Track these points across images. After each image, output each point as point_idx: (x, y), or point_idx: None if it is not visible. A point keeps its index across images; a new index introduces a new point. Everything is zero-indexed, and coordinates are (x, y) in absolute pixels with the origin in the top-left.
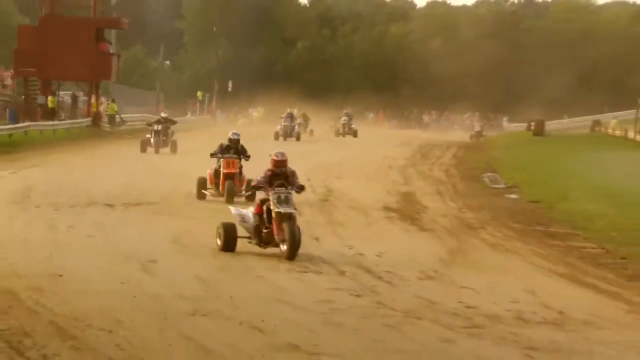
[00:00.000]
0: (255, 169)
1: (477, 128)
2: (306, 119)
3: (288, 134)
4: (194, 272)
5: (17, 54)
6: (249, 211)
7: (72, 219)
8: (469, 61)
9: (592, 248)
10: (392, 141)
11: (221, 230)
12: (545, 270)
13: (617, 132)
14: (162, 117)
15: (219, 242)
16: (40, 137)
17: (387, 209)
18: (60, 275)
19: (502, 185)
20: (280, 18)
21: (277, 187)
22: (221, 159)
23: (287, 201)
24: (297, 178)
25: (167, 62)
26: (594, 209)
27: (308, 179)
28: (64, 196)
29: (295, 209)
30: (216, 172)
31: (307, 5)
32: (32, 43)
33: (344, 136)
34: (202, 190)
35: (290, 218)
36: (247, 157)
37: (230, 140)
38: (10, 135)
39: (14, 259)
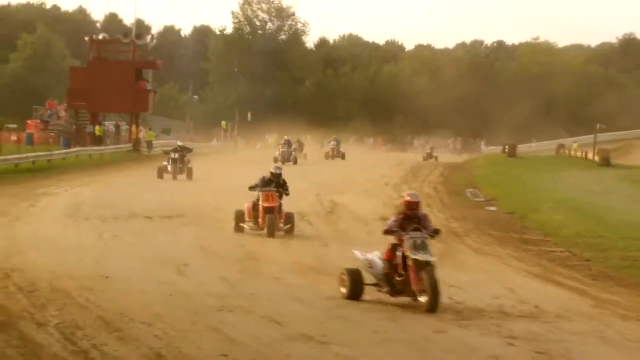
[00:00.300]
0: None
1: (427, 150)
2: (301, 144)
3: (286, 158)
4: (219, 273)
5: (69, 91)
6: (376, 256)
7: (116, 228)
8: (450, 95)
9: (561, 252)
10: (387, 162)
11: (346, 277)
12: (522, 271)
13: (579, 154)
14: (178, 146)
15: (343, 290)
16: (89, 161)
17: (384, 219)
18: (107, 277)
19: (482, 199)
20: (290, 60)
21: (412, 231)
22: (260, 192)
23: (424, 247)
24: (430, 221)
25: (195, 97)
26: (561, 219)
27: (317, 194)
28: (110, 210)
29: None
30: (254, 205)
31: (313, 49)
32: (82, 82)
33: (332, 159)
34: (240, 224)
35: (428, 266)
36: (287, 192)
37: (272, 174)
38: (64, 158)
39: (67, 263)
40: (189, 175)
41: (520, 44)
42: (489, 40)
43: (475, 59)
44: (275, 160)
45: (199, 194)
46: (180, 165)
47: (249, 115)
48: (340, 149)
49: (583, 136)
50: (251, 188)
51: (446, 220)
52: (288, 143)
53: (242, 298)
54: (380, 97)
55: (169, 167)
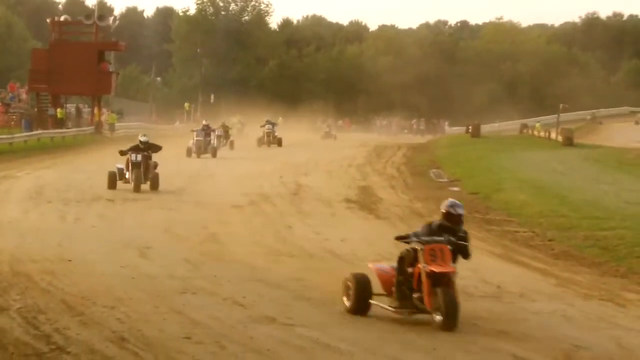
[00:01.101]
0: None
1: (325, 129)
2: (225, 130)
3: (202, 149)
4: (182, 256)
5: (31, 72)
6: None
7: (79, 212)
8: (414, 75)
9: (524, 232)
10: (350, 143)
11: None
12: (484, 251)
13: (542, 134)
14: (141, 142)
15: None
16: (51, 143)
17: (348, 200)
18: (69, 260)
19: (445, 180)
20: (254, 41)
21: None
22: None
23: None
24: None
25: (158, 79)
26: (524, 199)
27: (280, 176)
28: (72, 193)
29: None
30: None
31: (277, 29)
32: (43, 64)
33: (268, 146)
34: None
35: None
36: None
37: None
38: (25, 141)
39: (29, 246)
40: (154, 184)
41: (484, 24)
42: (452, 20)
43: (439, 38)
44: (189, 152)
45: (162, 176)
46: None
47: (212, 97)
48: (276, 133)
49: (546, 116)
50: (122, 152)
51: (409, 201)
52: (206, 129)
53: (205, 280)
54: (345, 77)
55: (127, 174)
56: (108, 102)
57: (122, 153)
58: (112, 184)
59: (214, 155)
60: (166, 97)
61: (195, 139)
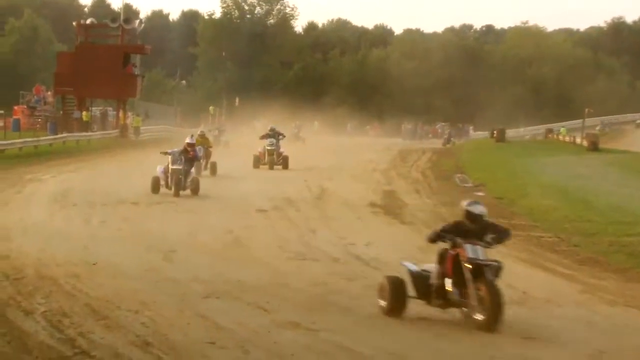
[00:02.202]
0: None
1: (446, 135)
2: (206, 144)
3: (180, 184)
4: (206, 260)
5: (56, 76)
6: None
7: (104, 215)
8: (439, 79)
9: (549, 237)
10: (375, 147)
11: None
12: (510, 256)
13: (567, 139)
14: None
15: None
16: (76, 146)
17: (372, 205)
18: (94, 264)
19: (470, 184)
20: (279, 44)
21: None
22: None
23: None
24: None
25: (183, 82)
26: (549, 204)
27: (305, 180)
28: (97, 196)
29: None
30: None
31: (302, 33)
32: (69, 67)
33: (271, 168)
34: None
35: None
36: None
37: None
38: (51, 144)
39: (54, 250)
40: (194, 190)
41: (509, 28)
42: (477, 24)
43: (464, 42)
44: (155, 186)
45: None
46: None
47: (237, 100)
48: (281, 149)
49: (571, 121)
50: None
51: (434, 206)
52: (190, 150)
53: (229, 285)
54: (369, 81)
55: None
56: (133, 106)
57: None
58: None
59: (196, 191)
60: (191, 100)
61: (170, 166)
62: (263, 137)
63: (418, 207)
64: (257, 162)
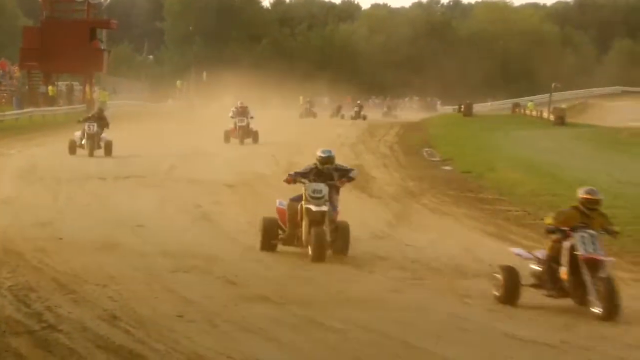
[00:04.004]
0: None
1: (385, 109)
2: (101, 116)
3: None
4: (175, 234)
5: (22, 51)
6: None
7: (71, 190)
8: (407, 54)
9: (516, 211)
10: (344, 122)
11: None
12: (477, 230)
13: (534, 113)
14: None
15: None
16: (43, 121)
17: None
18: (61, 239)
19: (438, 159)
20: (246, 19)
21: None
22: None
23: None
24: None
25: (150, 57)
26: (516, 178)
27: (273, 155)
28: (64, 171)
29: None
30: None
31: (269, 7)
32: (35, 41)
33: (241, 142)
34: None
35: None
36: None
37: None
38: (17, 119)
39: (21, 225)
40: (108, 150)
41: (476, 3)
42: None
43: (431, 17)
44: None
45: (155, 154)
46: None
47: (204, 75)
48: (252, 125)
49: (539, 95)
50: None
51: (402, 180)
52: (94, 120)
53: (198, 259)
54: (337, 56)
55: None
56: (100, 80)
57: None
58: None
59: (109, 152)
60: (158, 75)
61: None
62: (234, 115)
63: (386, 181)
64: (228, 137)
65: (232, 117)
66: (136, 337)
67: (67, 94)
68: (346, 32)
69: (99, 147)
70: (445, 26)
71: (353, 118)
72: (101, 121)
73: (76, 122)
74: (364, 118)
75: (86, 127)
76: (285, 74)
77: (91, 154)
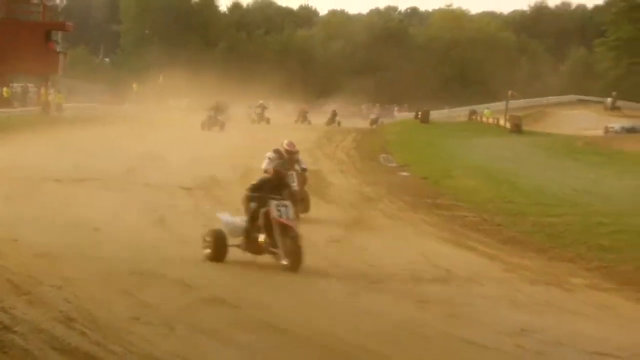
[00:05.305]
0: None
1: (372, 116)
2: None
3: None
4: (131, 237)
5: None
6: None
7: (26, 192)
8: (364, 60)
9: (473, 217)
10: (300, 127)
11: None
12: (434, 236)
13: (490, 120)
14: None
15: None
16: None
17: None
18: (15, 240)
19: (395, 165)
20: (203, 23)
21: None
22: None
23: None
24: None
25: (107, 60)
26: (473, 184)
27: (229, 159)
28: (19, 172)
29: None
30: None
31: (227, 12)
32: None
33: (209, 129)
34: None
35: None
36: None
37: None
38: None
39: None
40: None
41: (434, 11)
42: (402, 6)
43: (388, 24)
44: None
45: (112, 157)
46: None
47: (161, 77)
48: (219, 117)
49: (495, 102)
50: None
51: (359, 186)
52: None
53: (154, 262)
54: (295, 62)
55: None
56: (56, 82)
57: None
58: None
59: None
60: (115, 78)
61: None
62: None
63: (343, 186)
64: (204, 126)
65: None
66: (92, 339)
67: (22, 95)
68: (303, 37)
69: None
70: (402, 33)
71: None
72: None
73: None
74: (339, 124)
75: None
76: (241, 78)
77: None
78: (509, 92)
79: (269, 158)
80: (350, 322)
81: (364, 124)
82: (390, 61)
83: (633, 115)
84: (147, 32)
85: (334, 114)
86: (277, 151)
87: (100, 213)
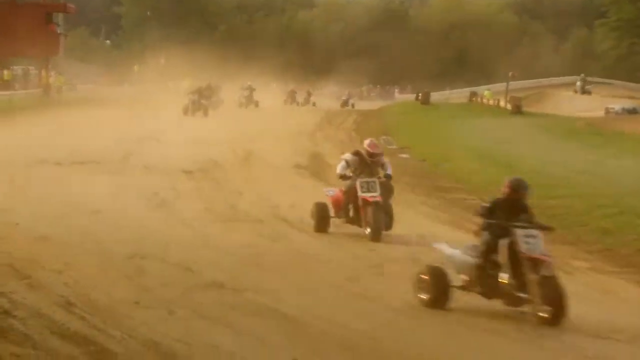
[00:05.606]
0: None
1: (344, 97)
2: None
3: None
4: (131, 221)
5: None
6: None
7: (27, 175)
8: (365, 42)
9: (472, 199)
10: (301, 110)
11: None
12: (434, 218)
13: (491, 102)
14: None
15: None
16: None
17: (298, 166)
18: (17, 224)
19: (395, 147)
20: (204, 5)
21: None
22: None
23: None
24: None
25: (108, 42)
26: (473, 166)
27: (231, 143)
28: (21, 155)
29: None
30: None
31: None
32: None
33: (192, 114)
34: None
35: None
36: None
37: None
38: None
39: None
40: None
41: None
42: None
43: (389, 6)
44: (186, 110)
45: (111, 139)
46: None
47: (163, 59)
48: (203, 100)
49: (496, 84)
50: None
51: None
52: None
53: (154, 246)
54: (295, 44)
55: None
56: (57, 64)
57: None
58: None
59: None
60: (116, 59)
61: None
62: (189, 93)
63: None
64: (187, 111)
65: None
66: (92, 324)
67: (23, 77)
68: (304, 20)
69: None
70: (403, 15)
71: (302, 104)
72: None
73: None
74: (314, 104)
75: None
76: (241, 60)
77: None
78: (510, 73)
79: (346, 161)
80: (350, 306)
81: (365, 105)
82: (391, 43)
83: (633, 97)
84: (148, 14)
85: (309, 95)
86: (357, 153)
87: (100, 196)
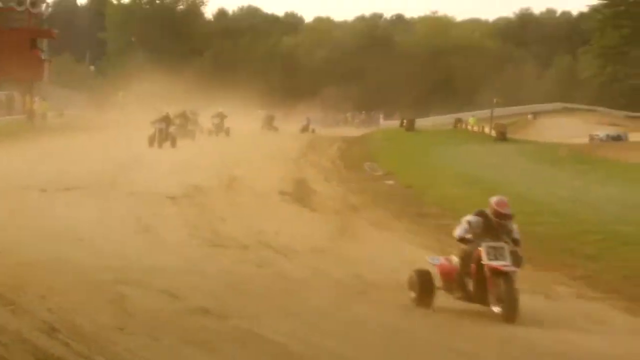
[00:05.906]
0: None
1: (304, 122)
2: None
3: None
4: (116, 246)
5: None
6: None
7: (10, 201)
8: (350, 67)
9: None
10: (284, 136)
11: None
12: (419, 245)
13: (476, 128)
14: None
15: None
16: None
17: (282, 193)
18: (0, 250)
19: (380, 173)
20: (189, 31)
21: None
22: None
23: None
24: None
25: (92, 67)
26: (457, 193)
27: (215, 168)
28: (3, 182)
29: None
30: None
31: (212, 20)
32: None
33: (160, 146)
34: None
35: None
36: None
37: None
38: None
39: None
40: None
41: (419, 18)
42: (388, 13)
43: (374, 31)
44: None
45: (96, 165)
46: None
47: (147, 85)
48: (170, 130)
49: (480, 110)
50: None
51: (344, 194)
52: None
53: (139, 272)
54: (280, 69)
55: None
56: (41, 90)
57: None
58: None
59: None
60: (101, 85)
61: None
62: (154, 122)
63: (328, 195)
64: (152, 141)
65: None
66: (76, 350)
67: (7, 103)
68: (289, 44)
69: None
70: (388, 40)
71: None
72: None
73: None
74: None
75: None
76: (228, 85)
77: None
78: (494, 100)
79: (469, 222)
80: (336, 331)
81: (348, 132)
82: (375, 68)
83: (617, 124)
84: (132, 39)
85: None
86: (481, 213)
87: (84, 222)
